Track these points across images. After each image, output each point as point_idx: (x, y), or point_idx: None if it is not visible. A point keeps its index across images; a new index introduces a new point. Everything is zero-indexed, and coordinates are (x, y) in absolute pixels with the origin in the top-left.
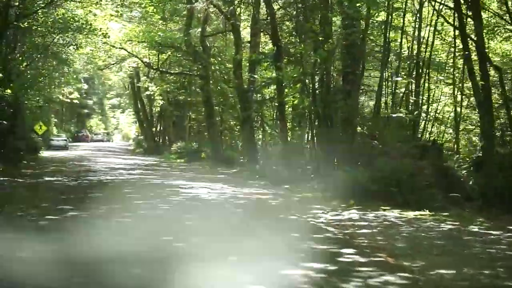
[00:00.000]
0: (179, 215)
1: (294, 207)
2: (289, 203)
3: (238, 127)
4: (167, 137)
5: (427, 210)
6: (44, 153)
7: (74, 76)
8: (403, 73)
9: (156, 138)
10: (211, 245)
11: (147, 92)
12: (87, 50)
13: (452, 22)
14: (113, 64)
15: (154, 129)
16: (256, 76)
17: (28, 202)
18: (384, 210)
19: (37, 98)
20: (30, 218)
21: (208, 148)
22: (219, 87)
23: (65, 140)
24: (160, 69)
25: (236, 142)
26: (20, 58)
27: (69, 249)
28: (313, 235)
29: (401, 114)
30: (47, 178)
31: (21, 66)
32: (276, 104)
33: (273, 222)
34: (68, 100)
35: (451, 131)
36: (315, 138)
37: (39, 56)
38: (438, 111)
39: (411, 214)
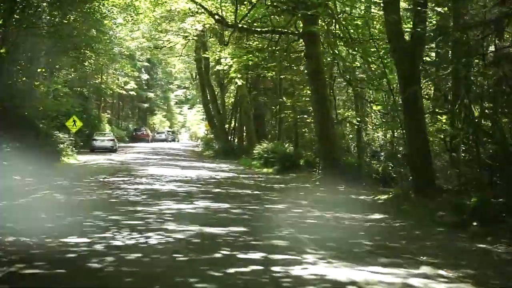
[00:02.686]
0: None
1: None
2: None
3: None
4: (244, 135)
5: None
6: (79, 158)
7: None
8: None
9: (230, 137)
10: None
11: (219, 67)
12: None
13: None
14: (171, 40)
15: (227, 125)
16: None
17: None
18: None
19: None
20: None
21: (309, 151)
22: (334, 51)
23: (112, 140)
24: (240, 25)
25: (348, 143)
26: None
27: None
28: None
29: None
30: None
31: None
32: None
33: None
34: (124, 92)
35: None
36: None
37: None
38: None
39: None
